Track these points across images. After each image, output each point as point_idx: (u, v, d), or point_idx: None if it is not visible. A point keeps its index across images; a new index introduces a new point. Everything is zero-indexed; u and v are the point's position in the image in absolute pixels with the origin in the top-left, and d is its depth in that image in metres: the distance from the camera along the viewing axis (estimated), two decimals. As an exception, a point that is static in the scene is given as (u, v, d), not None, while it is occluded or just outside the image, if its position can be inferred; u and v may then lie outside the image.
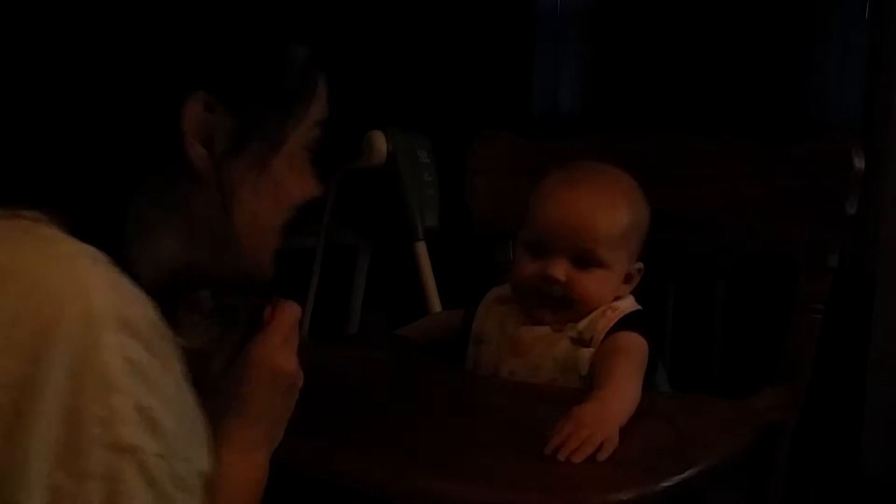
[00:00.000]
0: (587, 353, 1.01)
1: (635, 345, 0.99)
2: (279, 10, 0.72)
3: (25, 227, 0.63)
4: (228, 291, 0.79)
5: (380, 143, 1.76)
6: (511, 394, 1.03)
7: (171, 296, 0.71)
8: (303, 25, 0.74)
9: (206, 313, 0.82)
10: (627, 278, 1.05)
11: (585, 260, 1.01)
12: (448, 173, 1.83)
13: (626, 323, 1.02)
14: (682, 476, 0.81)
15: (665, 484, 0.79)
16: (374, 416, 0.95)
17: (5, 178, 0.66)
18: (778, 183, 1.08)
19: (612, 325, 1.01)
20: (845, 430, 1.93)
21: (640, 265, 1.06)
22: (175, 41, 0.66)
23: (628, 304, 1.05)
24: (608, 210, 1.02)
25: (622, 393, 0.92)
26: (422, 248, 1.76)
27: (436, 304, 1.72)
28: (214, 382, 0.75)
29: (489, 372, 1.08)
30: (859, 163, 1.03)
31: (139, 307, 0.61)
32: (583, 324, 1.02)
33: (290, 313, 0.76)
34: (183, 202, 0.69)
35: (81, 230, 0.63)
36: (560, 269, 1.01)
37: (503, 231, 1.25)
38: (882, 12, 2.01)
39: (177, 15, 0.67)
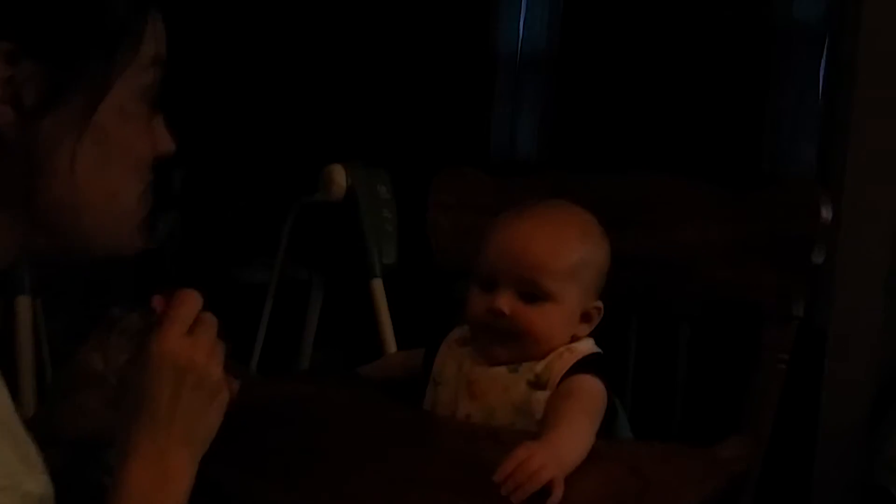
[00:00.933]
0: (542, 395, 0.98)
1: (590, 388, 0.97)
2: None
3: None
4: (77, 267, 0.71)
5: (339, 177, 1.73)
6: (465, 434, 1.00)
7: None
8: None
9: (132, 335, 0.76)
10: (585, 317, 1.03)
11: (531, 292, 0.99)
12: (406, 210, 1.81)
13: (584, 366, 0.99)
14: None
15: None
16: (320, 454, 0.92)
17: None
18: (745, 229, 1.07)
19: (568, 367, 0.99)
20: (796, 482, 1.92)
21: (599, 304, 1.03)
22: None
23: (587, 347, 1.03)
24: (554, 242, 1.00)
25: (572, 436, 0.89)
26: (378, 286, 1.72)
27: (391, 342, 1.68)
28: (119, 387, 0.70)
29: (446, 413, 1.04)
30: (827, 212, 1.03)
31: None
32: (540, 366, 1.00)
33: (187, 301, 0.69)
34: None
35: None
36: (505, 302, 0.99)
37: (464, 268, 1.22)
38: (839, 69, 2.05)
39: None
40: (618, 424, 1.03)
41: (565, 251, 1.00)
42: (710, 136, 2.16)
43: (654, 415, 1.13)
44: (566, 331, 1.01)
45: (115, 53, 0.61)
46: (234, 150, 2.39)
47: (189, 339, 0.68)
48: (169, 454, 0.66)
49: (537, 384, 0.99)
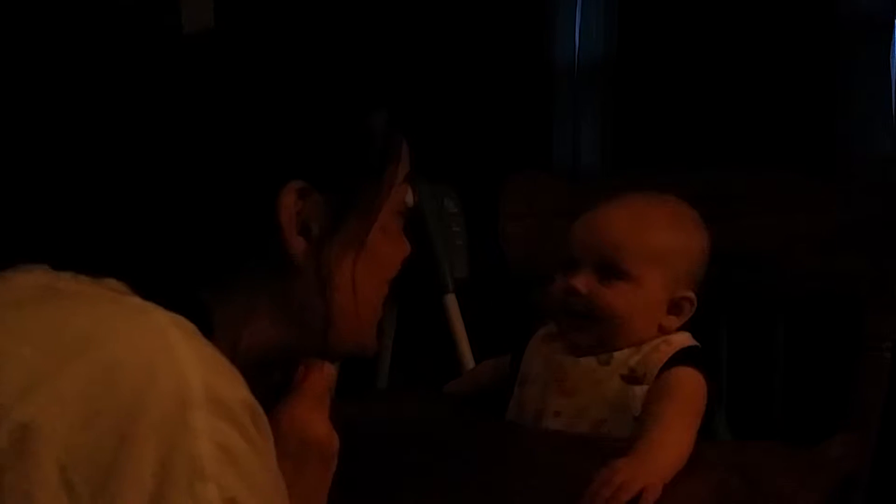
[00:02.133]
0: (640, 391, 0.94)
1: (692, 383, 0.93)
2: (354, 80, 0.70)
3: (112, 297, 0.59)
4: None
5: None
6: (554, 446, 0.96)
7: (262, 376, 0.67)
8: (377, 90, 0.71)
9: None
10: (674, 308, 0.98)
11: (610, 271, 0.97)
12: (474, 222, 1.79)
13: (682, 358, 0.95)
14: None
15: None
16: (406, 477, 0.90)
17: (97, 249, 0.63)
18: (838, 216, 1.03)
19: (665, 360, 0.95)
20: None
21: (691, 295, 0.99)
22: (262, 134, 0.64)
23: (684, 339, 0.99)
24: (638, 223, 0.98)
25: (670, 440, 0.86)
26: (452, 301, 1.70)
27: (468, 357, 1.66)
28: None
29: (533, 412, 1.01)
30: (922, 189, 0.98)
31: (234, 387, 0.56)
32: (634, 360, 0.96)
33: (323, 375, 0.71)
34: (279, 290, 0.65)
35: (168, 303, 0.59)
36: (581, 281, 0.97)
37: (539, 274, 1.20)
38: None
39: (259, 107, 0.64)
40: (716, 425, 0.99)
41: (649, 233, 0.98)
42: (779, 136, 2.10)
43: (752, 413, 1.08)
44: (649, 317, 0.97)
45: (382, 178, 0.68)
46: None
47: (315, 415, 0.70)
48: None
49: (633, 378, 0.95)
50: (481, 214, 1.56)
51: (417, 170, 2.08)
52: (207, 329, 0.59)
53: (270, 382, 0.73)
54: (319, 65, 0.68)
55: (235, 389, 0.56)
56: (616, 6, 2.35)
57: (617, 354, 0.97)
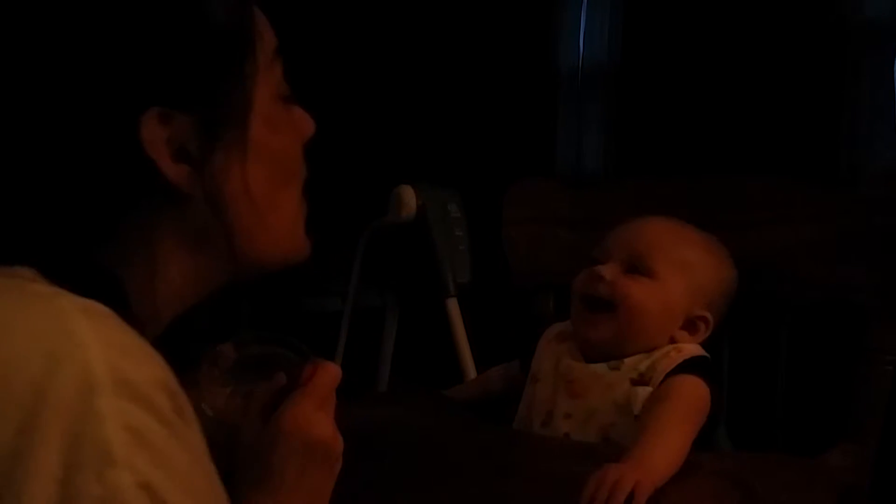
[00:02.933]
0: (644, 391, 0.95)
1: (694, 390, 0.93)
2: None
3: (17, 285, 0.56)
4: (261, 281, 0.70)
5: (409, 198, 1.71)
6: (556, 453, 0.96)
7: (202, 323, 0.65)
8: None
9: (228, 367, 0.75)
10: (690, 325, 1.00)
11: (636, 267, 0.99)
12: (477, 227, 1.79)
13: (690, 366, 0.95)
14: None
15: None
16: (405, 480, 0.90)
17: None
18: (843, 226, 1.02)
19: (674, 366, 0.96)
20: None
21: (707, 315, 1.00)
22: (96, 68, 0.58)
23: (694, 349, 1.00)
24: (674, 235, 1.02)
25: (665, 445, 0.86)
26: (454, 305, 1.69)
27: (469, 362, 1.65)
28: (243, 450, 0.69)
29: (544, 413, 1.01)
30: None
31: (145, 367, 0.53)
32: (644, 364, 0.96)
33: (328, 375, 0.69)
34: (178, 225, 0.62)
35: (77, 285, 0.56)
36: (608, 269, 0.99)
37: (542, 282, 1.19)
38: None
39: (84, 39, 0.58)
40: (718, 434, 0.99)
41: (681, 243, 1.02)
42: (783, 145, 2.09)
43: (753, 423, 1.08)
44: (663, 322, 0.98)
45: (243, 67, 0.62)
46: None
47: (320, 415, 0.68)
48: None
49: (640, 381, 0.96)
50: (484, 219, 1.56)
51: (422, 174, 2.07)
52: (122, 297, 0.57)
53: (275, 382, 0.72)
54: None
55: (148, 371, 0.53)
56: (621, 12, 2.35)
57: (627, 361, 0.97)
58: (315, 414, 0.68)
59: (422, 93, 2.31)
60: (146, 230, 0.61)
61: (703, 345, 1.01)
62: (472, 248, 1.74)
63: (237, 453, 0.69)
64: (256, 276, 0.67)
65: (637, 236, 1.01)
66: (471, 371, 1.62)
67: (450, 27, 2.34)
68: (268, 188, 0.64)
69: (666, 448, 0.85)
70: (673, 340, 0.99)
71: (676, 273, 0.99)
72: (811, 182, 1.08)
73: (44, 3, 0.58)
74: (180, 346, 0.78)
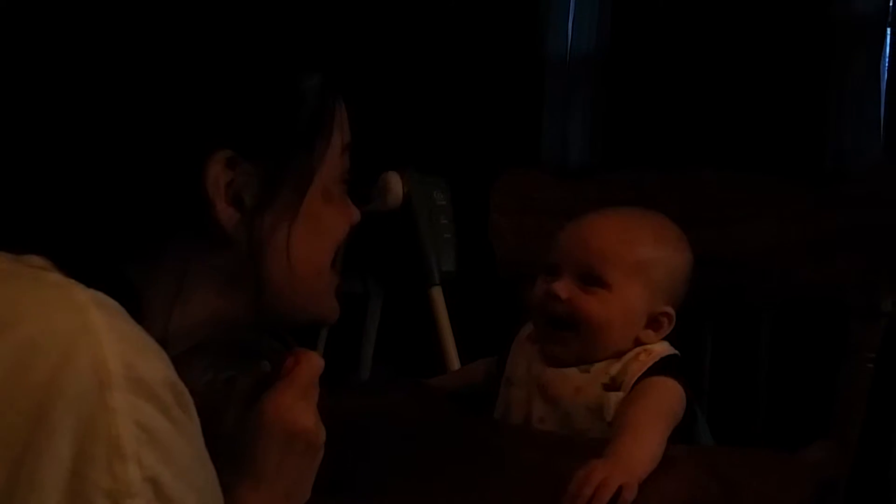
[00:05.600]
0: (615, 397, 0.95)
1: (667, 390, 0.94)
2: (284, 44, 0.67)
3: (33, 274, 0.57)
4: (283, 341, 0.74)
5: (396, 184, 1.71)
6: (538, 444, 0.96)
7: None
8: (312, 54, 0.68)
9: (210, 355, 0.75)
10: (653, 323, 0.99)
11: (591, 279, 0.98)
12: (462, 216, 1.78)
13: (661, 367, 0.96)
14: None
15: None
16: (390, 468, 0.90)
17: (15, 225, 0.60)
18: (826, 222, 1.03)
19: (645, 369, 0.96)
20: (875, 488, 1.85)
21: (670, 311, 0.99)
22: (184, 102, 0.61)
23: (664, 348, 0.99)
24: (622, 234, 0.99)
25: (642, 444, 0.86)
26: (437, 294, 1.69)
27: (452, 352, 1.65)
28: (225, 438, 0.68)
29: (520, 416, 1.01)
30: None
31: (155, 364, 0.55)
32: (615, 368, 0.97)
33: (311, 365, 0.70)
34: (212, 263, 0.64)
35: (93, 282, 0.57)
36: (562, 287, 0.98)
37: (527, 272, 1.19)
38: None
39: (179, 72, 0.61)
40: (697, 430, 0.99)
41: (630, 244, 0.99)
42: (769, 138, 2.10)
43: (734, 419, 1.08)
44: (626, 329, 0.98)
45: (314, 147, 0.66)
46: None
47: (302, 405, 0.69)
48: None
49: (612, 386, 0.96)
50: (469, 208, 1.56)
51: (409, 161, 2.06)
52: (134, 306, 0.58)
53: (258, 371, 0.73)
54: (244, 26, 0.65)
55: (158, 368, 0.54)
56: (610, 1, 2.35)
57: (597, 364, 0.98)
58: (297, 404, 0.68)
59: (409, 79, 2.30)
60: (180, 260, 0.63)
61: (687, 340, 1.01)
62: (458, 236, 1.75)
63: (218, 441, 0.69)
64: (284, 321, 0.71)
65: (586, 244, 0.99)
66: (453, 361, 1.62)
67: (437, 13, 2.33)
68: (307, 253, 0.67)
69: (645, 448, 0.86)
70: (638, 341, 0.99)
71: (632, 278, 0.98)
72: (795, 178, 1.09)
73: (171, 26, 0.62)
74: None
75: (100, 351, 0.52)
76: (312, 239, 0.67)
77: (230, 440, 0.68)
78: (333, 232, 0.69)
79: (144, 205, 0.61)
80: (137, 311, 0.58)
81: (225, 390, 0.72)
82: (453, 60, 2.31)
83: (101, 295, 0.56)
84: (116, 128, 0.60)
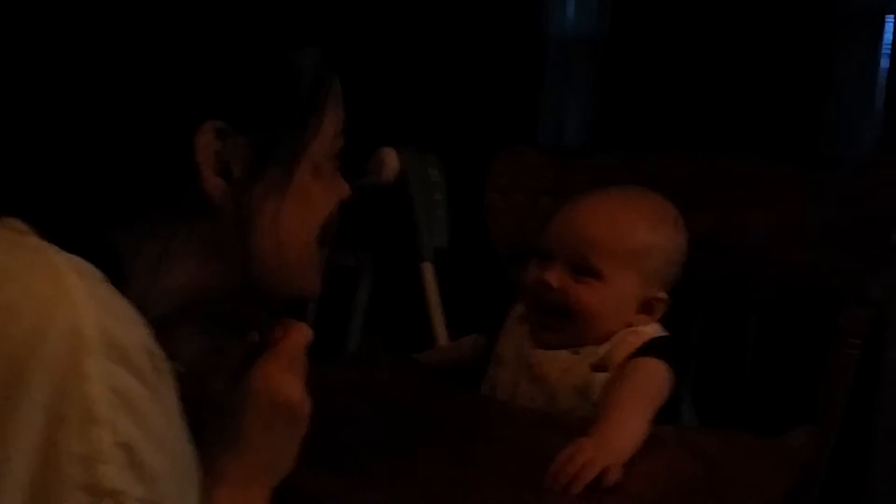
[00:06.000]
0: (602, 377, 0.96)
1: (652, 371, 0.94)
2: (281, 18, 0.66)
3: (12, 237, 0.57)
4: (272, 312, 0.73)
5: (392, 160, 1.71)
6: (526, 420, 0.97)
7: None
8: (309, 30, 0.68)
9: (199, 324, 0.76)
10: (646, 308, 0.99)
11: (583, 268, 0.97)
12: (456, 193, 1.78)
13: (649, 348, 0.96)
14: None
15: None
16: (378, 442, 0.90)
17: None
18: (818, 210, 1.03)
19: (632, 350, 0.96)
20: (853, 476, 1.87)
21: (663, 295, 0.99)
22: (177, 69, 0.61)
23: (653, 330, 0.99)
24: (615, 222, 0.98)
25: (626, 424, 0.87)
26: (428, 269, 1.70)
27: (441, 328, 1.66)
28: (212, 407, 0.69)
29: (506, 395, 1.02)
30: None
31: (132, 330, 0.55)
32: (603, 349, 0.97)
33: (298, 336, 0.70)
34: (198, 232, 0.64)
35: (75, 247, 0.57)
36: (554, 275, 0.97)
37: (521, 251, 1.20)
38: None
39: (174, 40, 0.61)
40: (682, 411, 1.00)
41: (624, 233, 0.98)
42: (767, 122, 2.10)
43: (721, 403, 1.09)
44: (618, 316, 0.98)
45: (307, 123, 0.66)
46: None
47: (288, 376, 0.69)
48: (254, 483, 0.68)
49: (599, 367, 0.96)
50: (463, 185, 1.55)
51: (404, 137, 2.06)
52: (116, 270, 0.58)
53: (247, 341, 0.73)
54: None
55: (135, 335, 0.54)
56: (612, -19, 2.33)
57: (587, 346, 0.98)
58: (283, 375, 0.68)
59: (408, 56, 2.29)
60: (165, 226, 0.63)
61: (677, 322, 1.02)
62: (450, 213, 1.75)
63: (205, 409, 0.69)
64: (267, 295, 0.70)
65: (579, 233, 0.98)
66: (442, 337, 1.63)
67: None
68: (294, 227, 0.67)
69: (629, 429, 0.86)
70: (631, 325, 0.99)
71: (626, 267, 0.97)
72: (791, 165, 1.09)
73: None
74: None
75: (76, 316, 0.52)
76: (300, 213, 0.67)
77: (217, 409, 0.69)
78: (322, 207, 0.69)
79: (131, 170, 0.60)
80: (119, 275, 0.58)
81: (213, 360, 0.73)
82: (453, 38, 2.30)
83: (80, 260, 0.56)
84: (104, 92, 0.60)
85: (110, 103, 0.60)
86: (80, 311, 0.52)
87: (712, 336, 1.15)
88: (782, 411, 1.04)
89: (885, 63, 2.03)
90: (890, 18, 2.02)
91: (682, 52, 2.16)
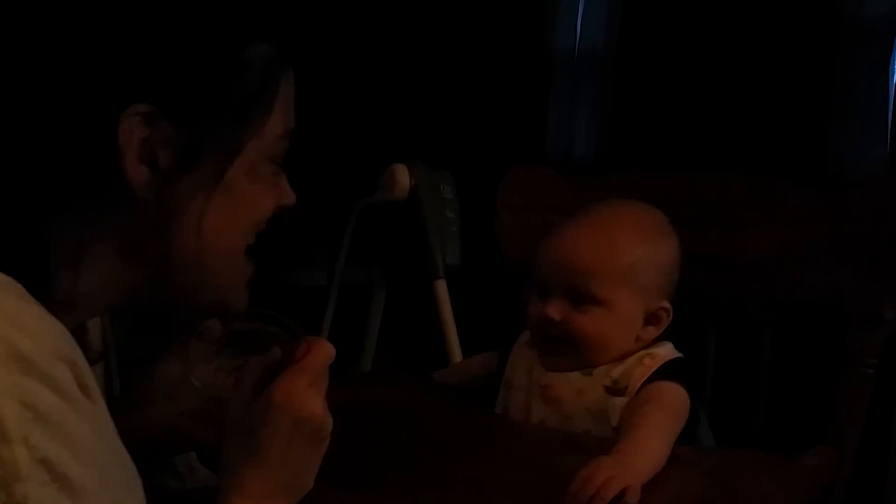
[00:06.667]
0: (620, 402, 0.95)
1: (673, 396, 0.93)
2: (230, 11, 0.62)
3: None
4: (192, 319, 0.72)
5: (403, 177, 1.71)
6: (540, 440, 0.97)
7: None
8: (263, 27, 0.64)
9: (215, 342, 0.76)
10: (652, 319, 0.99)
11: (582, 296, 0.96)
12: (468, 210, 1.79)
13: (666, 372, 0.96)
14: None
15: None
16: (388, 463, 0.90)
17: None
18: (833, 229, 1.03)
19: (649, 374, 0.96)
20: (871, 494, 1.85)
21: (666, 305, 0.99)
22: (103, 48, 0.57)
23: (667, 352, 0.99)
24: (602, 245, 0.97)
25: (648, 446, 0.86)
26: (442, 287, 1.70)
27: (455, 345, 1.66)
28: (231, 422, 0.69)
29: (520, 417, 1.02)
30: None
31: (44, 340, 0.51)
32: (617, 371, 0.97)
33: (322, 353, 0.69)
34: (120, 224, 0.60)
35: None
36: (555, 309, 0.97)
37: (533, 270, 1.20)
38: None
39: (101, 18, 0.57)
40: (700, 432, 1.00)
41: (614, 254, 0.97)
42: (775, 137, 2.10)
43: (735, 422, 1.09)
44: (626, 335, 0.98)
45: (247, 121, 0.62)
46: (291, 152, 2.39)
47: (311, 392, 0.68)
48: (274, 498, 0.67)
49: (615, 390, 0.96)
50: (475, 202, 1.56)
51: (416, 154, 2.06)
52: (42, 264, 0.55)
53: (268, 357, 0.72)
54: None
55: (45, 343, 0.51)
56: (619, -2, 2.34)
57: (599, 367, 0.98)
58: (307, 391, 0.68)
59: (418, 73, 2.30)
60: (88, 221, 0.59)
61: (689, 342, 1.01)
62: (463, 230, 1.75)
63: (225, 426, 0.69)
64: (184, 310, 0.67)
65: (570, 261, 0.97)
66: (456, 354, 1.63)
67: (445, 6, 2.33)
68: (221, 229, 0.63)
69: (650, 451, 0.86)
70: (639, 339, 0.98)
71: (622, 287, 0.96)
72: (801, 183, 1.09)
73: None
74: (168, 321, 0.78)
75: None
76: (229, 215, 0.63)
77: (237, 424, 0.68)
78: (253, 212, 0.65)
79: (52, 155, 0.57)
80: (45, 269, 0.56)
81: (232, 376, 0.73)
82: (462, 55, 2.31)
83: None
84: (22, 70, 0.56)
85: (28, 81, 0.56)
86: None
87: (727, 355, 1.15)
88: (799, 430, 1.03)
89: (893, 78, 2.02)
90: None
91: (691, 66, 2.16)
